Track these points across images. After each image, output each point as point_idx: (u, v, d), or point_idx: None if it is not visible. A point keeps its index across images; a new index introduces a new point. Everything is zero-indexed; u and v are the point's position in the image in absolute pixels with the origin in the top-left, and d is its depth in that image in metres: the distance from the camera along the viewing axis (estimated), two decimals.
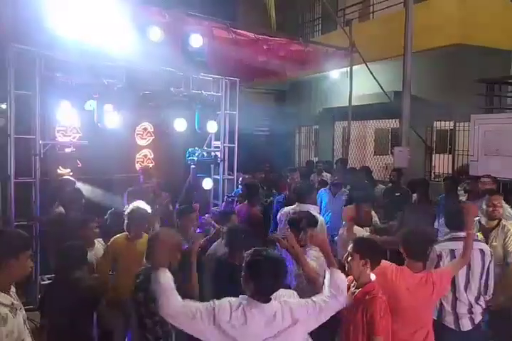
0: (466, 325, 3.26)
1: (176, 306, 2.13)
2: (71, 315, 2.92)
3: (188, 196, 6.50)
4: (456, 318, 3.25)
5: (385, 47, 8.65)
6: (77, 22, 5.17)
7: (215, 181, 7.36)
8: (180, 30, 6.07)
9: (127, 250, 3.80)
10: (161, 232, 2.88)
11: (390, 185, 7.09)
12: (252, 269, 2.23)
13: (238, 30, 6.76)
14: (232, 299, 2.24)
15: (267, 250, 2.38)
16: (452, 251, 3.27)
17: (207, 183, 7.20)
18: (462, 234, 3.26)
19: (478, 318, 3.30)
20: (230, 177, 7.48)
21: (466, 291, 3.27)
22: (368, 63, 8.57)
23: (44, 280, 5.13)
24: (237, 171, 7.54)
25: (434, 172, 9.77)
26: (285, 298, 2.39)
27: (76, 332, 2.97)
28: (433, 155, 9.82)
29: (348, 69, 8.82)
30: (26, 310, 2.33)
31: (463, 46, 7.95)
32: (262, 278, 2.20)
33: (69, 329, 2.93)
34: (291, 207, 4.72)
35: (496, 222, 3.91)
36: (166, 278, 2.22)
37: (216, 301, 2.21)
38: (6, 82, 5.03)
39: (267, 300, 2.21)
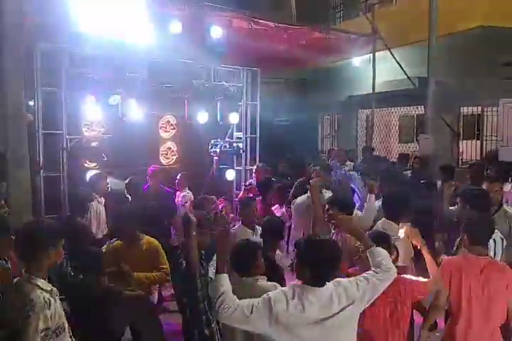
0: None
1: (236, 314, 2.12)
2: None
3: (212, 187, 6.56)
4: None
5: (409, 33, 8.45)
6: (100, 17, 5.25)
7: (238, 172, 7.40)
8: (199, 22, 6.09)
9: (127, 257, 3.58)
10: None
11: (410, 172, 6.88)
12: (308, 255, 2.23)
13: (258, 20, 6.73)
14: (285, 288, 2.25)
15: (320, 236, 2.39)
16: None
17: (230, 175, 7.25)
18: None
19: None
20: (252, 167, 7.50)
21: None
22: (391, 49, 8.40)
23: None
24: (260, 162, 7.55)
25: (462, 159, 9.56)
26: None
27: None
28: (460, 142, 9.60)
29: (371, 55, 8.66)
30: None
31: (488, 28, 7.70)
32: (319, 264, 2.20)
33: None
34: (304, 196, 4.65)
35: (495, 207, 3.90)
36: (226, 282, 2.22)
37: (270, 293, 2.21)
38: (33, 79, 5.16)
39: (323, 284, 2.20)
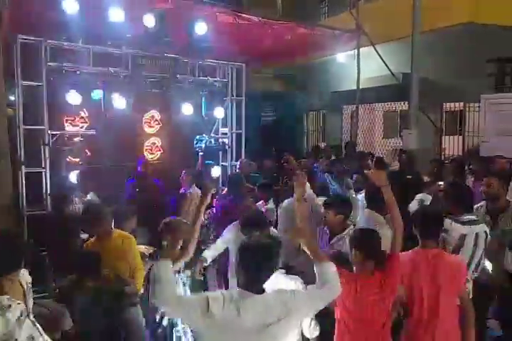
0: None
1: (170, 298, 2.13)
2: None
3: (197, 183, 6.53)
4: None
5: (393, 28, 8.50)
6: (82, 10, 5.16)
7: (223, 168, 7.38)
8: (184, 16, 6.03)
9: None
10: (172, 222, 2.95)
11: (398, 167, 6.98)
12: (241, 259, 2.19)
13: (243, 15, 6.70)
14: (225, 291, 2.21)
15: (259, 237, 2.35)
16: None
17: (215, 171, 7.22)
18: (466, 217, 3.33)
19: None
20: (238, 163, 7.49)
21: None
22: (375, 45, 8.45)
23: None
24: (245, 157, 7.54)
25: (445, 155, 9.68)
26: (287, 285, 2.39)
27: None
28: (443, 137, 9.72)
29: (356, 51, 8.70)
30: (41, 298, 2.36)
31: (472, 25, 7.79)
32: (249, 268, 2.16)
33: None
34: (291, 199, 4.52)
35: (501, 203, 3.84)
36: (167, 269, 2.21)
37: (209, 293, 2.23)
38: (13, 73, 5.06)
39: (260, 291, 2.16)
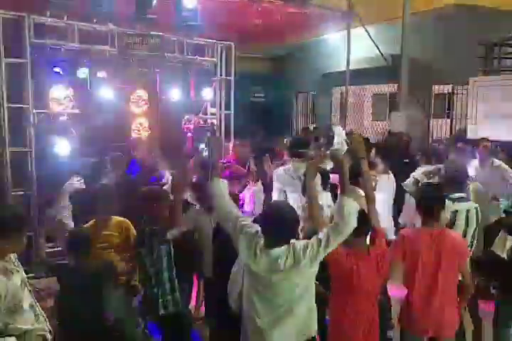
0: None
1: (224, 207, 2.60)
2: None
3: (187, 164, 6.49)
4: None
5: (384, 9, 8.43)
6: None
7: None
8: None
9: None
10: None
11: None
12: (262, 220, 2.47)
13: None
14: (259, 229, 2.46)
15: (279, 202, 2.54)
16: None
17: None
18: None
19: None
20: (226, 144, 7.45)
21: None
22: (366, 26, 8.38)
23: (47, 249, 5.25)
24: (234, 138, 7.50)
25: (433, 137, 9.76)
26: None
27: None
28: (431, 120, 9.77)
29: (346, 32, 8.62)
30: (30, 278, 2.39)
31: (464, 6, 7.75)
32: (268, 231, 2.40)
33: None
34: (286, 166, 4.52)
35: None
36: (219, 186, 2.63)
37: (249, 223, 2.54)
38: None
39: (273, 247, 2.38)
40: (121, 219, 3.56)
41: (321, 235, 2.39)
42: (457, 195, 3.47)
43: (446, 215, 3.32)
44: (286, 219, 2.40)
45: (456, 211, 3.38)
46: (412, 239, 2.93)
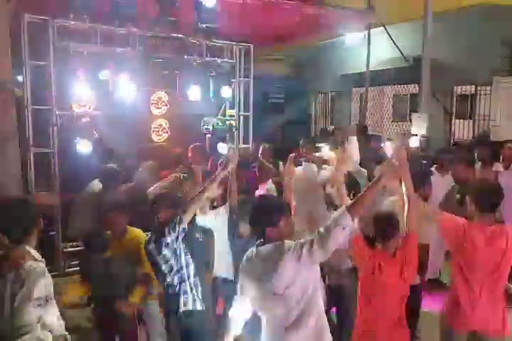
0: None
1: None
2: None
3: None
4: None
5: (405, 9, 8.33)
6: None
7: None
8: None
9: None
10: None
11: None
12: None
13: None
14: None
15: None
16: None
17: (222, 149, 7.08)
18: None
19: None
20: (245, 145, 7.46)
21: None
22: (386, 26, 8.29)
23: (66, 248, 5.33)
24: (253, 140, 7.50)
25: (454, 139, 9.59)
26: None
27: None
28: (453, 121, 9.61)
29: (366, 33, 8.55)
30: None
31: (487, 6, 7.60)
32: (250, 222, 2.41)
33: None
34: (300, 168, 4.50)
35: None
36: None
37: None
38: (20, 53, 5.04)
39: (261, 244, 2.35)
40: (136, 233, 3.58)
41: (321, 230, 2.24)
42: None
43: None
44: (258, 207, 2.39)
45: None
46: (471, 232, 2.79)
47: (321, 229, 2.22)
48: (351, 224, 2.23)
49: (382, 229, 2.73)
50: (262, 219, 2.33)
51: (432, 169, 5.12)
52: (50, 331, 2.22)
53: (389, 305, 2.69)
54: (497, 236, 2.79)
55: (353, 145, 4.28)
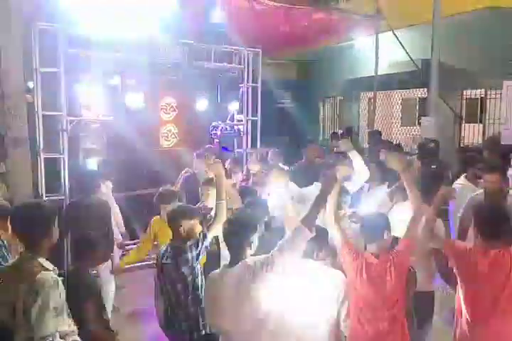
0: None
1: None
2: None
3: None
4: None
5: (413, 13, 8.30)
6: None
7: (239, 155, 7.36)
8: (199, 1, 5.98)
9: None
10: None
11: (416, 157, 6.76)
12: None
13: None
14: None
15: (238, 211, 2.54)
16: None
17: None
18: None
19: None
20: (252, 151, 7.46)
21: None
22: (394, 30, 8.27)
23: None
24: (260, 145, 7.51)
25: (464, 143, 9.51)
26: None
27: None
28: (462, 125, 9.53)
29: (374, 36, 8.53)
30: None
31: (496, 9, 7.56)
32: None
33: None
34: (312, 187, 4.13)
35: None
36: None
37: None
38: (31, 60, 5.10)
39: (232, 264, 2.35)
40: None
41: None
42: None
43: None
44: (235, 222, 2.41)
45: None
46: (475, 259, 2.67)
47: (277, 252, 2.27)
48: (311, 235, 2.29)
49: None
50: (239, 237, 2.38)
51: (462, 181, 4.69)
52: (62, 338, 2.22)
53: (380, 316, 2.59)
54: (504, 259, 2.64)
55: (357, 159, 3.90)
